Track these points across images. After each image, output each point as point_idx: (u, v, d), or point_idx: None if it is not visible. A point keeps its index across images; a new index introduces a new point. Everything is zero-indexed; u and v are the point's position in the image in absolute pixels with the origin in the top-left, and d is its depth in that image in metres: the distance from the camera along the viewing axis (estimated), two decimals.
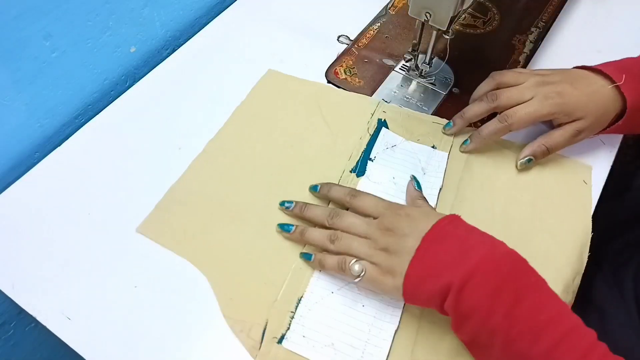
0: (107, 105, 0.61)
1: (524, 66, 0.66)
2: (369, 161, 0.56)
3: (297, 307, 0.46)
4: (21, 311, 0.47)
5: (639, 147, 0.90)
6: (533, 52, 0.68)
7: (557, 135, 0.54)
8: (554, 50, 0.69)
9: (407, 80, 0.64)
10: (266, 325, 0.45)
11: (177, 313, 0.47)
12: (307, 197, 0.53)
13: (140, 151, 0.57)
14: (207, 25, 0.70)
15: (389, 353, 0.44)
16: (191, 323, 0.46)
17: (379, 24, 0.71)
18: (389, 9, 0.73)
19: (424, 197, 0.51)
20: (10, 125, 0.55)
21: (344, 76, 0.64)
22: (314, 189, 0.53)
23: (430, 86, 0.64)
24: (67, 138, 0.58)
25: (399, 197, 0.53)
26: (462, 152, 0.57)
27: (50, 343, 0.72)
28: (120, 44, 0.63)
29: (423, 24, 0.57)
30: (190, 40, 0.68)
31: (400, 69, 0.65)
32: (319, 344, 0.45)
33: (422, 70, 0.63)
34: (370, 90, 0.63)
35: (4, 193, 0.53)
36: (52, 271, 0.48)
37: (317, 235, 0.48)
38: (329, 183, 0.53)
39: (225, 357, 0.45)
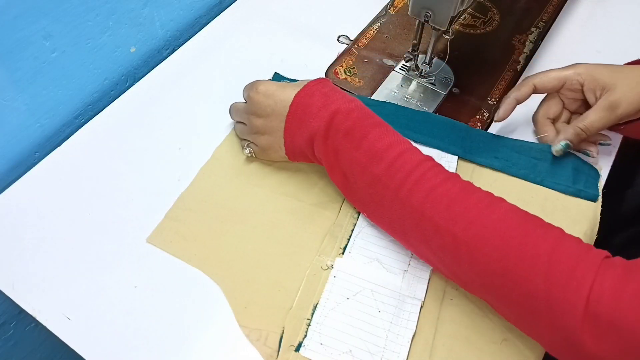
0: (107, 105, 0.61)
1: (524, 66, 0.66)
2: None
3: (313, 313, 0.46)
4: (21, 311, 0.47)
5: (639, 148, 0.90)
6: (533, 52, 0.68)
7: (591, 113, 0.52)
8: (554, 50, 0.69)
9: (407, 80, 0.64)
10: (283, 333, 0.45)
11: (177, 313, 0.47)
12: (317, 198, 0.53)
13: (140, 151, 0.57)
14: (207, 25, 0.70)
15: (407, 359, 0.44)
16: (191, 323, 0.46)
17: (379, 24, 0.71)
18: (389, 9, 0.73)
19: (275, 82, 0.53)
20: (10, 125, 0.55)
21: (344, 76, 0.64)
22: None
23: (430, 86, 0.64)
24: (67, 138, 0.58)
25: None
26: (496, 120, 0.57)
27: (50, 343, 0.72)
28: (120, 44, 0.63)
29: (423, 24, 0.57)
30: (190, 40, 0.68)
31: (400, 69, 0.65)
32: (336, 351, 0.44)
33: (422, 70, 0.63)
34: (370, 90, 0.63)
35: (4, 193, 0.53)
36: (52, 271, 0.48)
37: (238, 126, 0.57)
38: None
39: (225, 355, 0.45)
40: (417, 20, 0.57)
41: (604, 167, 0.56)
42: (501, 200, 0.43)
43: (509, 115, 0.56)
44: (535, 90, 0.54)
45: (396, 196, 0.44)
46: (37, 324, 0.46)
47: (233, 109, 0.56)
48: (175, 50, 0.67)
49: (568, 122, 0.57)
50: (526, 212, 0.42)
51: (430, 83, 0.64)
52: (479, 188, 0.44)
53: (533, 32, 0.70)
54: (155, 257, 0.50)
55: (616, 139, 0.59)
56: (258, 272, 0.49)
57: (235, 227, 0.51)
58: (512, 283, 0.39)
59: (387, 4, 0.74)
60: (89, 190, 0.54)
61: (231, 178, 0.55)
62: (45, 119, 0.58)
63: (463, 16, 0.72)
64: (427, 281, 0.48)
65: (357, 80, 0.64)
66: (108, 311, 0.46)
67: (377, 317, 0.46)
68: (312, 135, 0.48)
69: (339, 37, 0.69)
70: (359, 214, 0.52)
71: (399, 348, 0.45)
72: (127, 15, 0.61)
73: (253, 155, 0.54)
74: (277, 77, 0.63)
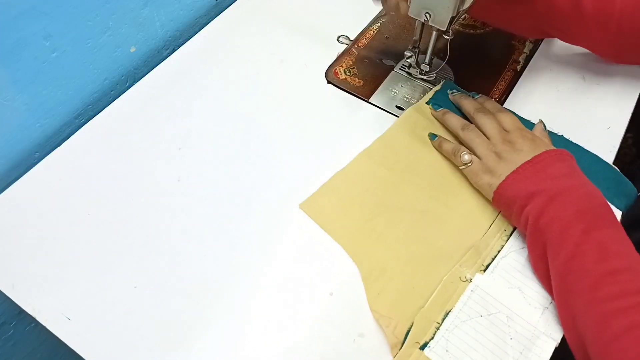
0: (107, 105, 0.61)
1: (524, 66, 0.66)
2: None
3: (443, 319, 0.46)
4: (21, 311, 0.47)
5: (639, 148, 0.90)
6: (533, 52, 0.68)
7: None
8: (554, 51, 0.69)
9: (407, 80, 0.64)
10: (410, 328, 0.46)
11: (177, 313, 0.47)
12: (467, 211, 0.53)
13: (140, 151, 0.57)
14: (207, 25, 0.70)
15: None
16: (191, 323, 0.46)
17: (379, 24, 0.71)
18: None
19: (548, 137, 0.56)
20: (10, 125, 0.55)
21: (343, 76, 0.64)
22: (433, 137, 0.58)
23: (431, 86, 0.64)
24: (67, 138, 0.58)
25: None
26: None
27: (50, 343, 0.72)
28: (120, 44, 0.63)
29: (423, 24, 0.57)
30: (190, 40, 0.68)
31: (400, 69, 0.65)
32: None
33: (423, 70, 0.63)
34: (370, 90, 0.63)
35: (4, 193, 0.53)
36: (52, 271, 0.48)
37: (454, 120, 0.57)
38: (458, 97, 0.59)
39: (225, 355, 0.45)
40: (417, 21, 0.57)
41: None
42: None
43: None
44: None
45: (594, 302, 0.41)
46: (37, 324, 0.46)
47: (490, 120, 0.55)
48: (175, 50, 0.67)
49: None
50: None
51: (431, 83, 0.64)
52: None
53: None
54: (155, 257, 0.50)
55: (615, 141, 0.59)
56: (396, 264, 0.49)
57: (382, 217, 0.52)
58: None
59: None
60: (89, 190, 0.54)
61: (386, 169, 0.56)
62: (45, 119, 0.58)
63: (463, 16, 0.72)
64: None
65: (357, 80, 0.64)
66: (108, 311, 0.46)
67: (508, 344, 0.45)
68: (537, 191, 0.47)
69: (339, 37, 0.69)
70: (508, 237, 0.52)
71: None
72: (127, 15, 0.61)
73: (468, 165, 0.53)
74: (447, 84, 0.63)
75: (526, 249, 0.50)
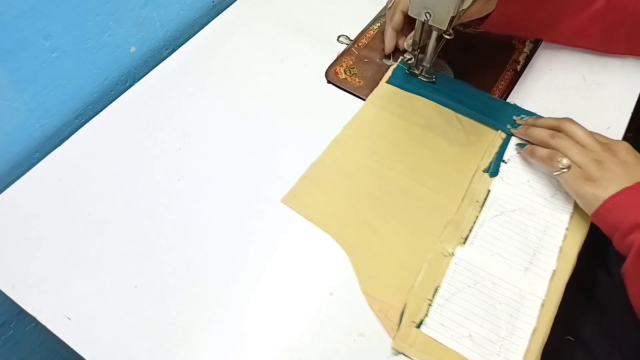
0: (107, 105, 0.61)
1: (524, 66, 0.66)
2: (502, 163, 0.56)
3: (434, 295, 0.48)
4: (21, 311, 0.47)
5: (639, 148, 0.90)
6: (533, 52, 0.68)
7: None
8: (554, 51, 0.69)
9: None
10: (404, 308, 0.47)
11: (177, 313, 0.47)
12: (442, 187, 0.54)
13: (140, 151, 0.57)
14: (207, 25, 0.70)
15: (526, 351, 0.45)
16: (191, 323, 0.46)
17: (379, 23, 0.71)
18: (389, 9, 0.73)
19: None
20: (10, 125, 0.55)
21: (344, 76, 0.64)
22: (522, 146, 0.56)
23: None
24: (67, 138, 0.58)
25: (535, 200, 0.54)
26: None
27: (50, 343, 0.72)
28: (120, 44, 0.63)
29: (423, 24, 0.57)
30: (190, 40, 0.68)
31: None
32: (457, 334, 0.46)
33: (423, 69, 0.63)
34: (370, 90, 0.63)
35: (4, 193, 0.53)
36: (52, 271, 0.48)
37: (540, 132, 0.54)
38: (531, 120, 0.57)
39: (225, 355, 0.45)
40: (417, 20, 0.57)
41: None
42: None
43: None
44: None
45: None
46: (37, 324, 0.46)
47: (581, 128, 0.52)
48: (175, 50, 0.67)
49: None
50: None
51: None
52: None
53: None
54: (155, 256, 0.50)
55: None
56: (383, 247, 0.50)
57: (366, 202, 0.53)
58: None
59: (387, 4, 0.73)
60: (88, 190, 0.54)
61: (361, 155, 0.57)
62: (45, 119, 0.58)
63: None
64: (548, 280, 0.49)
65: (357, 80, 0.64)
66: (108, 311, 0.46)
67: (498, 309, 0.47)
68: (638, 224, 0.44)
69: (339, 37, 0.69)
70: (481, 207, 0.53)
71: (518, 340, 0.46)
72: (127, 15, 0.61)
73: (564, 171, 0.50)
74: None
75: (500, 217, 0.52)
